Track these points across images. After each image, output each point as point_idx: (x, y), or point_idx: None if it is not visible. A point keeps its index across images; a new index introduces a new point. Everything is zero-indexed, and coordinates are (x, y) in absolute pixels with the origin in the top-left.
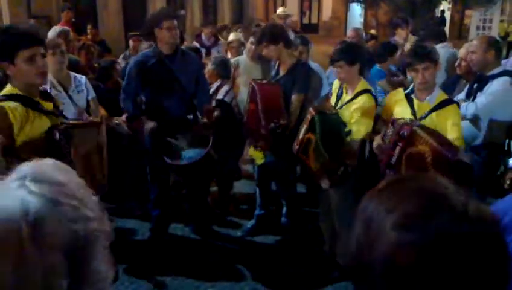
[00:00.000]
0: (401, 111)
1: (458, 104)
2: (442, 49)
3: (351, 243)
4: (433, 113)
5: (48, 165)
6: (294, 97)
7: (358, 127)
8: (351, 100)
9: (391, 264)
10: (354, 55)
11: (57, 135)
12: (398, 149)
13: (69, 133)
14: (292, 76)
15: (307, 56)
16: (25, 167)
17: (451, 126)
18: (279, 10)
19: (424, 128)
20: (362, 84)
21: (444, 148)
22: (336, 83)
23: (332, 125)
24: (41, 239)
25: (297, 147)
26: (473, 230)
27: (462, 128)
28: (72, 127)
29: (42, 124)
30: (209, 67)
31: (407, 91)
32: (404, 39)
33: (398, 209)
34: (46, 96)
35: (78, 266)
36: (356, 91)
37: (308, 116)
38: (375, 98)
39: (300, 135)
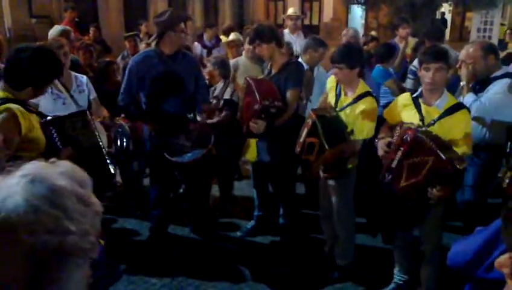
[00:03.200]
0: (409, 116)
1: (468, 110)
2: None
3: None
4: (443, 119)
5: (56, 168)
6: (289, 93)
7: (362, 128)
8: (352, 103)
9: None
10: (355, 60)
11: (50, 128)
12: (399, 153)
13: (61, 125)
14: (284, 73)
15: (321, 58)
16: (31, 166)
17: (460, 133)
18: (291, 11)
19: (428, 134)
20: (362, 87)
21: (447, 158)
22: (332, 81)
23: (334, 128)
24: (5, 243)
25: (299, 149)
26: None
27: (471, 136)
28: (63, 119)
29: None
30: (209, 68)
31: (414, 95)
32: (404, 38)
33: None
34: None
35: (43, 281)
36: (357, 94)
37: (309, 121)
38: (376, 99)
39: (301, 138)
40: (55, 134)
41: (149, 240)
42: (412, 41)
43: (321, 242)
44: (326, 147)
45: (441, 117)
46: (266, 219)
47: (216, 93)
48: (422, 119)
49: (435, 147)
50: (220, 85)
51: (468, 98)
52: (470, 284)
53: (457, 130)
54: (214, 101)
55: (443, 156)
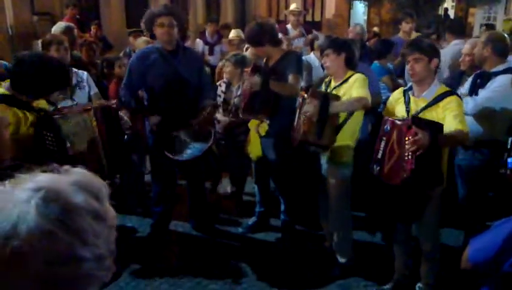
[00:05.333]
0: (399, 109)
1: (459, 96)
2: (456, 46)
3: None
4: (430, 108)
5: (69, 177)
6: (290, 77)
7: (357, 91)
8: (339, 85)
9: None
10: (340, 45)
11: (43, 132)
12: (382, 144)
13: (54, 125)
14: (282, 62)
15: None
16: (43, 178)
17: (453, 117)
18: (293, 6)
19: (407, 120)
20: (350, 73)
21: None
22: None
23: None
24: (16, 267)
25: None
26: None
27: (464, 118)
28: (57, 117)
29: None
30: (230, 67)
31: (405, 88)
32: (408, 33)
33: None
34: None
35: None
36: (345, 78)
37: (300, 99)
38: (378, 94)
39: (295, 123)
40: (49, 137)
41: (150, 236)
42: (414, 35)
43: (322, 239)
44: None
45: (427, 106)
46: (268, 215)
47: (240, 92)
48: (408, 110)
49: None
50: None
51: (466, 104)
52: (491, 279)
53: (446, 113)
54: (236, 100)
55: (398, 122)
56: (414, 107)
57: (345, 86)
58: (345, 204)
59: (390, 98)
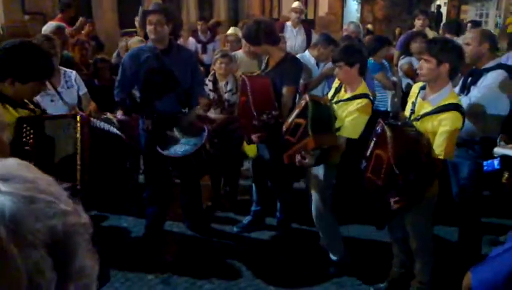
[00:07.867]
0: (408, 106)
1: (462, 113)
2: None
3: None
4: (429, 116)
5: (11, 163)
6: (285, 89)
7: (349, 126)
8: (348, 99)
9: None
10: (353, 57)
11: (24, 126)
12: (372, 143)
13: (39, 125)
14: (281, 69)
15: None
16: None
17: (441, 141)
18: (296, 4)
19: (398, 129)
20: (362, 88)
21: (396, 160)
22: (338, 81)
23: (323, 115)
24: (21, 239)
25: (285, 129)
26: None
27: (452, 141)
28: (43, 119)
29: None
30: (221, 64)
31: (422, 85)
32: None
33: None
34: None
35: (62, 263)
36: (354, 93)
37: (302, 102)
38: (372, 103)
39: (290, 119)
40: (28, 132)
41: (145, 236)
42: (429, 31)
43: (318, 237)
44: (310, 131)
45: (428, 114)
46: (263, 214)
47: (230, 87)
48: (412, 111)
49: (392, 149)
50: (231, 80)
51: (455, 90)
52: None
53: (439, 129)
54: (227, 96)
55: (392, 163)
56: (418, 110)
57: (350, 105)
58: (326, 204)
59: (413, 88)
